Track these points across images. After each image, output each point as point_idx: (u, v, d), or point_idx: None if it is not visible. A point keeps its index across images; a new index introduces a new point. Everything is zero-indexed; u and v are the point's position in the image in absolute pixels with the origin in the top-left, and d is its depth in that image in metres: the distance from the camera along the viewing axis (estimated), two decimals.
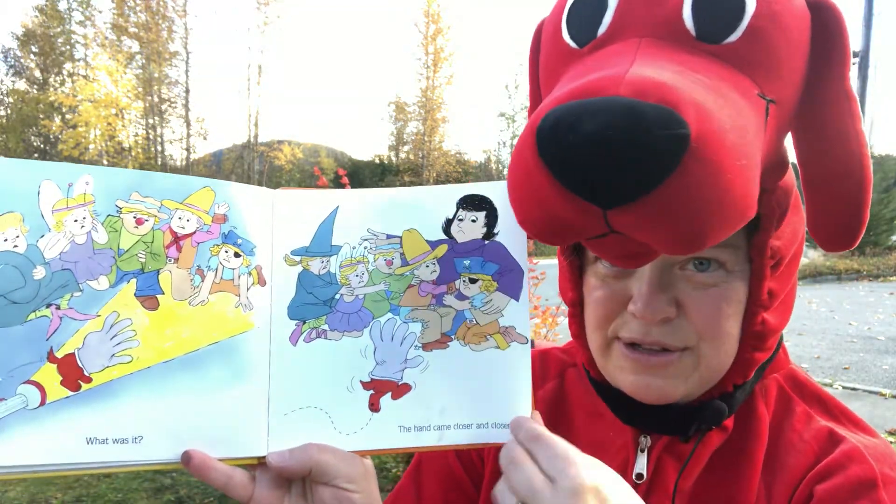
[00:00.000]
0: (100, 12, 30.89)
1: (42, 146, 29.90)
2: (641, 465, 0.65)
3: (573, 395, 0.75)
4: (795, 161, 0.59)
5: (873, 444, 0.60)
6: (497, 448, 0.59)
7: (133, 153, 28.62)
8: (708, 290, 0.58)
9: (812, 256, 20.07)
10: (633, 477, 0.65)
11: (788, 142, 0.58)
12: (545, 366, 0.79)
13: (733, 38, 0.48)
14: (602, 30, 0.52)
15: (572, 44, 0.54)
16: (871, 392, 5.59)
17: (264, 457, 0.57)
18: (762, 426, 0.63)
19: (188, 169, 32.24)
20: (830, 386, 5.79)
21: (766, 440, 0.62)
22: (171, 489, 3.43)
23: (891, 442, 4.10)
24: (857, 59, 22.90)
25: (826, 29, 0.52)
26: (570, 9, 0.55)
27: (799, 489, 0.58)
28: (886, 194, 21.10)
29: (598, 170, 0.42)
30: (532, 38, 0.65)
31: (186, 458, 0.54)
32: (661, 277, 0.58)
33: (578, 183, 0.43)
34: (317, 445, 0.57)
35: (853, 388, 5.72)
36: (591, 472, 0.49)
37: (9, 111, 29.93)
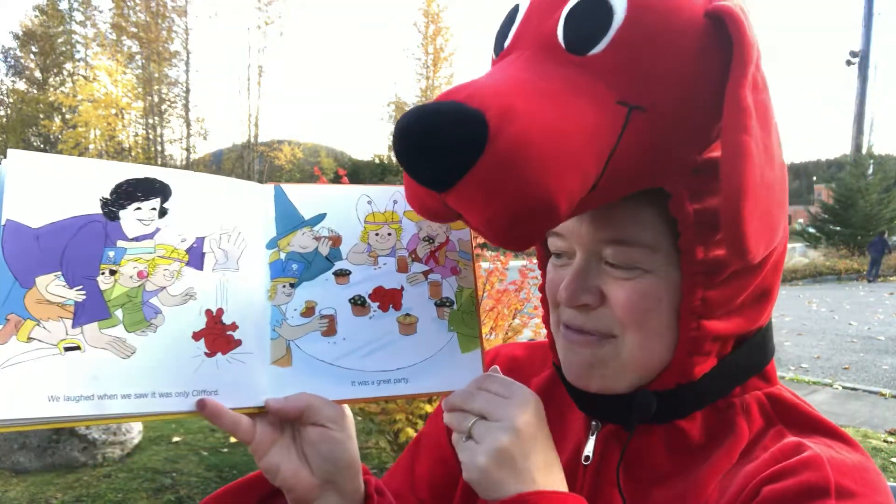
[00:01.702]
0: (100, 12, 30.94)
1: (42, 146, 29.89)
2: (590, 447, 0.69)
3: (561, 385, 0.78)
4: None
5: (844, 457, 0.58)
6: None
7: (133, 153, 28.59)
8: (625, 283, 0.62)
9: (812, 256, 20.08)
10: (582, 459, 0.69)
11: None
12: (545, 354, 0.83)
13: (597, 49, 0.52)
14: (507, 43, 0.59)
15: (493, 56, 0.62)
16: (871, 392, 5.60)
17: (263, 406, 0.65)
18: (739, 441, 0.63)
19: (188, 169, 32.23)
20: (830, 386, 5.79)
21: (737, 456, 0.62)
22: (171, 489, 3.43)
23: (890, 442, 4.08)
24: (857, 59, 22.93)
25: (726, 36, 0.52)
26: (500, 25, 0.63)
27: (748, 488, 0.57)
28: (886, 194, 21.12)
29: (414, 158, 0.51)
30: None
31: (201, 405, 0.61)
32: (586, 267, 0.64)
33: (408, 170, 0.53)
34: (306, 393, 0.66)
35: (853, 388, 5.73)
36: (535, 395, 0.62)
37: (9, 111, 29.95)
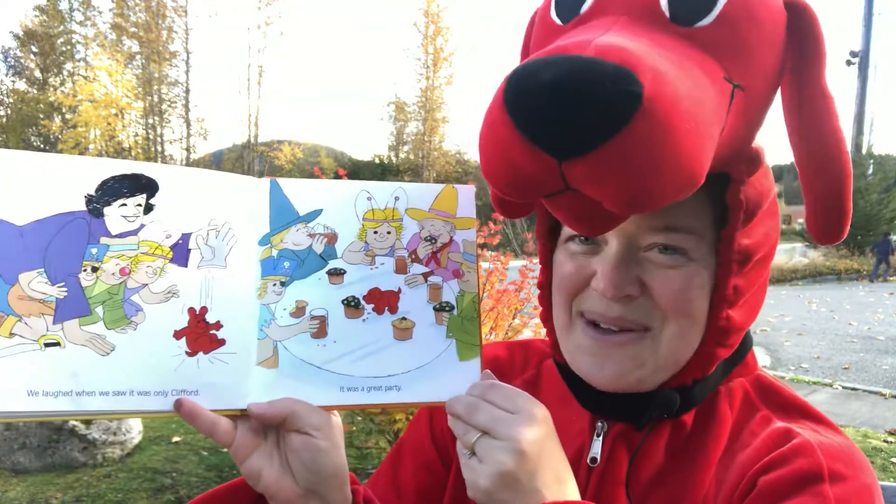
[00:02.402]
0: (100, 12, 30.84)
1: (42, 146, 29.88)
2: (596, 449, 0.67)
3: (547, 382, 0.78)
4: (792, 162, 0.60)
5: (831, 441, 0.60)
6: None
7: (133, 153, 28.58)
8: (669, 270, 0.60)
9: (812, 256, 20.08)
10: (588, 461, 0.67)
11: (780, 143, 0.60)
12: (527, 355, 0.83)
13: (705, 22, 0.51)
14: (585, 8, 0.56)
15: (558, 21, 0.58)
16: (871, 392, 5.59)
17: (245, 409, 0.63)
18: (723, 427, 0.64)
19: None
20: (830, 386, 5.79)
21: (726, 441, 0.63)
22: (172, 489, 3.43)
23: (890, 442, 4.08)
24: (857, 59, 22.91)
25: (801, 29, 0.54)
26: None
27: (744, 480, 0.58)
28: (886, 194, 21.08)
29: (554, 117, 0.44)
30: (526, 27, 0.68)
31: (178, 404, 0.59)
32: (626, 256, 0.61)
33: (536, 129, 0.46)
34: (291, 399, 0.63)
35: (853, 388, 5.72)
36: (542, 407, 0.58)
37: (9, 111, 29.93)
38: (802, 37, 0.54)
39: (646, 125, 0.44)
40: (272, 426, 0.64)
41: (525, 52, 0.68)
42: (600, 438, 0.68)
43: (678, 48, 0.50)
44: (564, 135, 0.45)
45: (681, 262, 0.60)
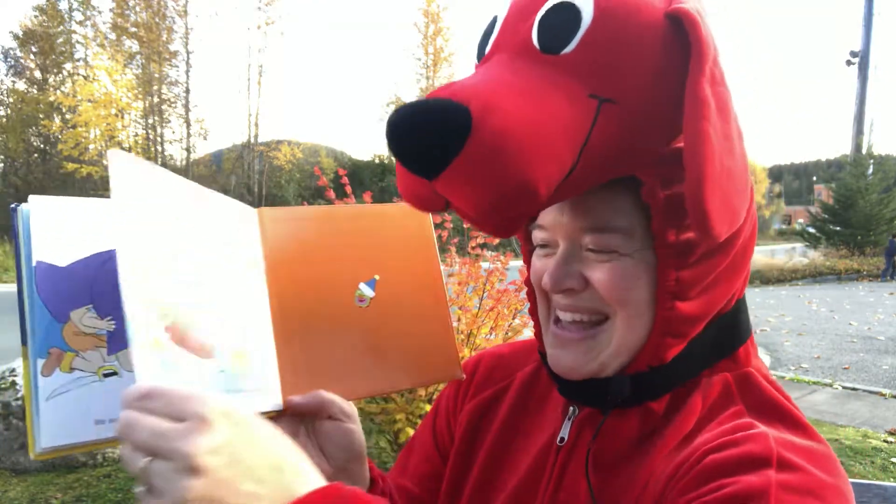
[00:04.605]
0: (100, 12, 30.92)
1: (42, 146, 29.89)
2: (565, 430, 0.73)
3: (544, 374, 0.83)
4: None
5: (795, 441, 0.59)
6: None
7: (133, 153, 28.49)
8: (603, 264, 0.66)
9: (812, 256, 20.09)
10: (557, 441, 0.73)
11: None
12: (528, 351, 0.89)
13: (568, 49, 0.57)
14: (488, 49, 0.64)
15: (476, 61, 0.67)
16: (871, 392, 5.60)
17: (281, 409, 0.70)
18: (689, 417, 0.66)
19: (188, 169, 32.24)
20: (830, 386, 5.79)
21: (684, 432, 0.65)
22: None
23: (890, 442, 4.07)
24: (857, 60, 22.93)
25: (683, 35, 0.58)
26: (481, 34, 0.67)
27: (693, 456, 0.59)
28: (886, 194, 21.09)
29: (404, 148, 0.55)
30: None
31: None
32: (569, 255, 0.68)
33: (399, 159, 0.56)
34: (321, 392, 0.74)
35: (853, 388, 5.73)
36: (219, 401, 0.48)
37: (9, 111, 29.88)
38: (684, 42, 0.58)
39: (475, 148, 0.52)
40: (309, 415, 0.74)
41: None
42: (570, 421, 0.74)
43: (542, 75, 0.57)
44: (417, 160, 0.55)
45: (613, 258, 0.66)
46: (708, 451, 0.59)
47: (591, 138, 0.57)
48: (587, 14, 0.57)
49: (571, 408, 0.74)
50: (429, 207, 0.61)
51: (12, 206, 0.60)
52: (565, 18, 0.58)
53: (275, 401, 0.70)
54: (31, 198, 0.61)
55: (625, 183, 0.64)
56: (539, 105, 0.55)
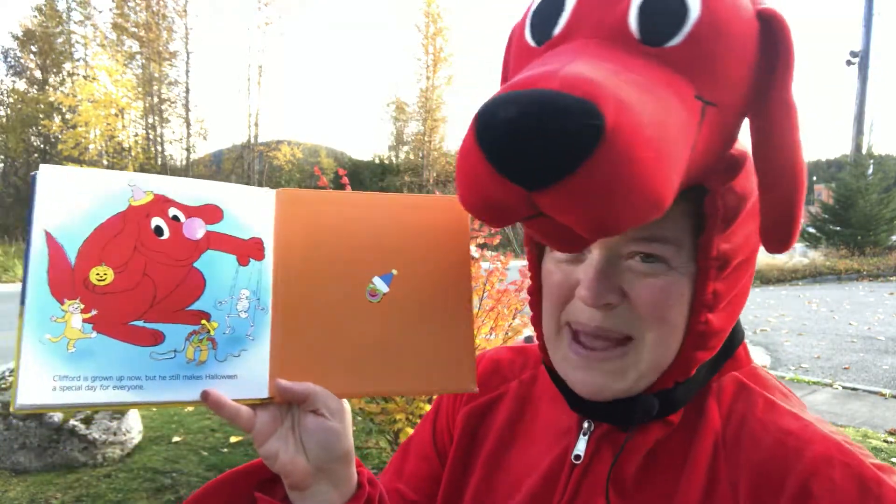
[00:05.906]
0: (100, 12, 30.93)
1: (42, 146, 29.88)
2: (581, 447, 0.69)
3: (542, 382, 0.81)
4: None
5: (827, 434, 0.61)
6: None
7: (133, 153, 28.56)
8: (649, 279, 0.61)
9: (812, 256, 20.07)
10: (572, 457, 0.69)
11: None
12: (526, 357, 0.86)
13: (674, 42, 0.51)
14: (557, 30, 0.56)
15: (532, 43, 0.58)
16: (871, 392, 5.59)
17: (266, 398, 0.69)
18: (709, 424, 0.65)
19: (188, 169, 32.23)
20: (830, 386, 5.79)
21: (713, 437, 0.64)
22: (171, 489, 3.43)
23: (890, 442, 4.07)
24: (857, 59, 22.92)
25: (772, 39, 0.54)
26: (534, 10, 0.59)
27: (793, 488, 0.57)
28: (886, 194, 21.07)
29: (520, 152, 0.46)
30: (506, 45, 0.68)
31: (205, 395, 0.65)
32: (607, 266, 0.62)
33: (504, 163, 0.47)
34: (311, 383, 0.69)
35: (853, 388, 5.72)
36: None
37: (9, 111, 29.88)
38: (772, 47, 0.54)
39: (608, 156, 0.44)
40: (295, 403, 0.70)
41: (505, 70, 0.68)
42: (586, 437, 0.70)
43: (647, 70, 0.50)
44: (531, 168, 0.46)
45: (661, 271, 0.61)
46: (804, 479, 0.57)
47: (696, 145, 0.52)
48: (695, 4, 0.51)
49: (586, 423, 0.71)
50: (506, 220, 0.54)
51: (32, 174, 0.63)
52: (671, 8, 0.51)
53: (260, 388, 0.68)
54: (41, 166, 0.62)
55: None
56: (662, 104, 0.49)
